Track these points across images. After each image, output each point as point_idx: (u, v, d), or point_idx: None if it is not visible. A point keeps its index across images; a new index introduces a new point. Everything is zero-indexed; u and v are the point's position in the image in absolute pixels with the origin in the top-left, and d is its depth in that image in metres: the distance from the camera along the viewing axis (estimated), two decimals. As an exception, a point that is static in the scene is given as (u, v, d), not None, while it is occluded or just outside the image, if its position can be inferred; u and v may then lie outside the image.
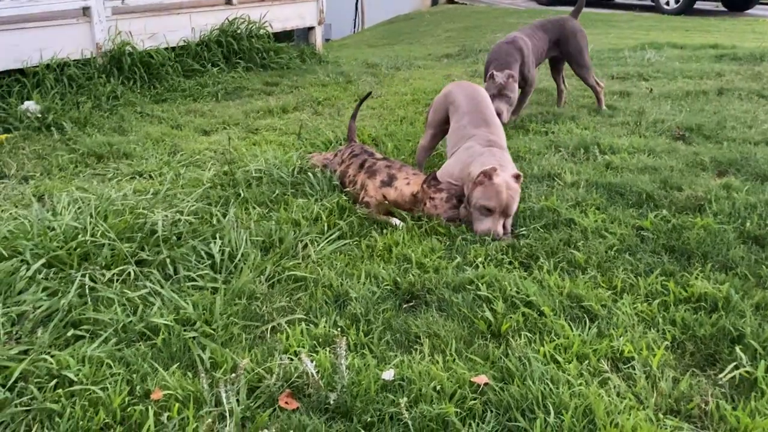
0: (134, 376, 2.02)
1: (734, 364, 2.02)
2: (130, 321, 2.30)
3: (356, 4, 17.31)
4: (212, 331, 2.25)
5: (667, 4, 12.54)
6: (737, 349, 2.09)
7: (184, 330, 2.26)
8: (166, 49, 6.37)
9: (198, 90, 6.05)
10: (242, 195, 3.42)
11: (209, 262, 2.72)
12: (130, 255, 2.69)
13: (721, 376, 1.98)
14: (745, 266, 2.61)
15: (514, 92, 4.35)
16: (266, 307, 2.42)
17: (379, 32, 13.76)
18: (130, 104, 5.48)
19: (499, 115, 3.97)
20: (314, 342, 2.21)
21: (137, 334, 2.26)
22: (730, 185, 3.37)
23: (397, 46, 10.83)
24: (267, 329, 2.31)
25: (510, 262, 2.75)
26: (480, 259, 2.76)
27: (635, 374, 2.02)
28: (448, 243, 2.94)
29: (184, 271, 2.65)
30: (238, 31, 7.07)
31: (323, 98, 5.87)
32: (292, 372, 2.01)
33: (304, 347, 2.17)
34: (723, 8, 13.24)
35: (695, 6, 12.47)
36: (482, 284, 2.52)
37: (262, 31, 7.31)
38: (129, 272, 2.60)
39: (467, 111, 3.53)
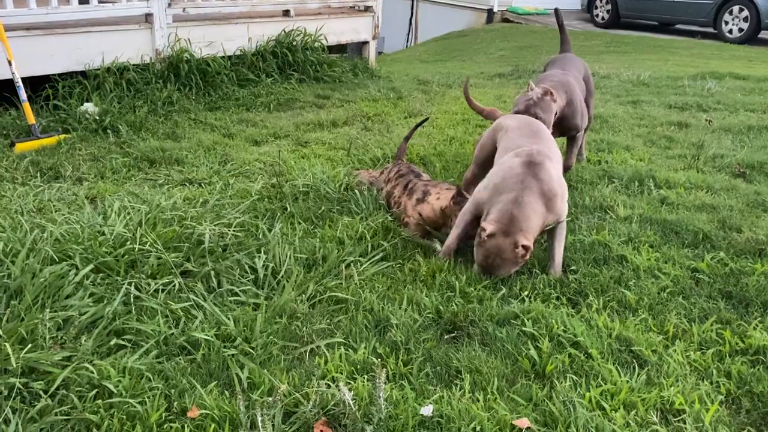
0: (173, 391, 2.02)
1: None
2: (172, 333, 2.31)
3: (410, 18, 17.38)
4: (251, 350, 2.24)
5: (730, 32, 12.17)
6: (799, 411, 1.97)
7: (224, 347, 2.26)
8: (222, 57, 6.48)
9: (251, 100, 6.13)
10: (288, 209, 3.43)
11: (252, 276, 2.73)
12: (176, 266, 2.72)
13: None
14: (809, 320, 2.48)
15: (547, 113, 3.64)
16: (306, 327, 2.41)
17: (432, 48, 13.75)
18: (184, 110, 5.58)
19: None
20: (352, 368, 2.18)
21: (178, 347, 2.26)
22: (795, 230, 3.21)
23: (449, 62, 10.80)
24: (306, 351, 2.29)
25: (557, 298, 2.67)
26: (526, 293, 2.69)
27: (686, 429, 1.93)
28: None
29: (227, 284, 2.66)
30: (294, 43, 7.14)
31: (373, 114, 5.87)
32: (328, 399, 1.98)
33: (342, 373, 2.14)
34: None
35: (760, 35, 12.07)
36: (528, 319, 2.45)
37: (317, 44, 7.37)
38: (174, 283, 2.62)
39: (516, 127, 3.24)
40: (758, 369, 2.20)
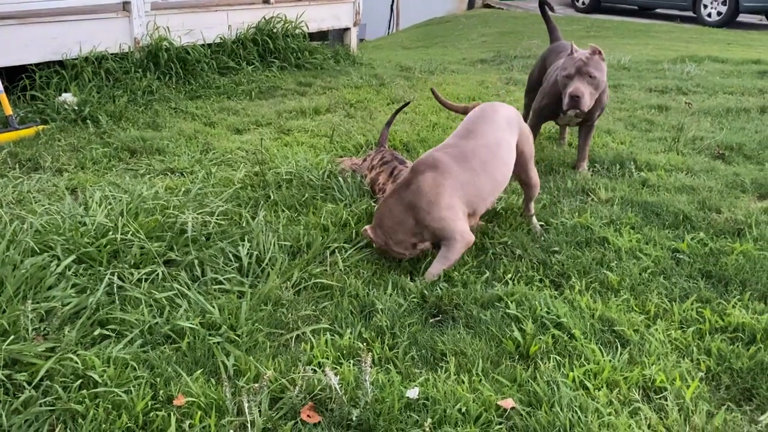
0: (158, 380, 2.02)
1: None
2: (156, 323, 2.30)
3: (392, 5, 17.27)
4: (237, 337, 2.24)
5: (709, 15, 12.27)
6: (777, 386, 2.01)
7: (209, 335, 2.25)
8: (202, 45, 6.41)
9: (232, 88, 6.07)
10: (272, 197, 3.42)
11: (237, 264, 2.72)
12: (159, 255, 2.70)
13: (761, 419, 1.90)
14: (786, 297, 2.52)
15: (600, 71, 3.56)
16: (291, 314, 2.41)
17: (414, 34, 13.70)
18: (164, 99, 5.52)
19: (577, 98, 3.49)
20: (338, 353, 2.19)
21: (163, 336, 2.26)
22: (773, 209, 3.26)
23: (431, 49, 10.77)
24: (291, 338, 2.30)
25: (540, 280, 2.70)
26: (509, 276, 2.71)
27: (667, 406, 1.96)
28: (478, 256, 2.89)
29: (211, 273, 2.65)
30: (274, 30, 7.08)
31: (356, 101, 5.85)
32: (315, 384, 1.99)
33: (328, 359, 2.15)
34: (767, 22, 12.92)
35: (738, 19, 12.18)
36: (511, 302, 2.47)
37: (297, 31, 7.31)
38: (157, 272, 2.60)
39: (463, 122, 3.03)
40: (737, 346, 2.24)
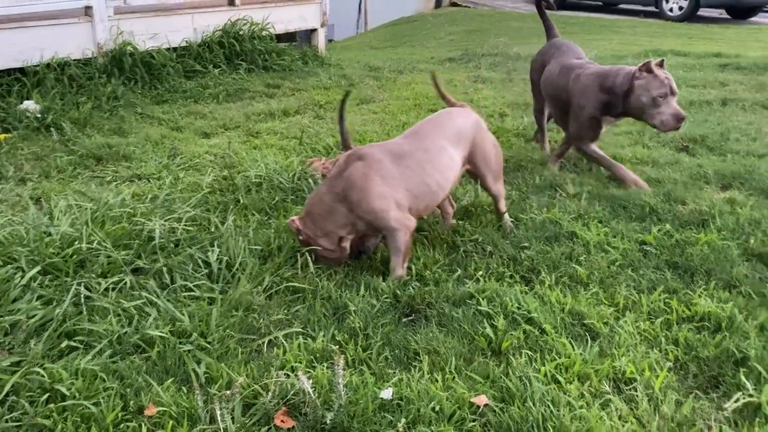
0: (128, 390, 1.99)
1: (740, 394, 1.98)
2: (125, 332, 2.27)
3: (360, 5, 17.26)
4: (208, 345, 2.22)
5: (671, 10, 12.50)
6: (741, 374, 2.05)
7: (180, 342, 2.23)
8: (167, 49, 6.34)
9: (199, 91, 6.01)
10: (241, 201, 3.39)
11: (206, 271, 2.69)
12: (127, 263, 2.66)
13: (726, 405, 1.94)
14: (750, 285, 2.58)
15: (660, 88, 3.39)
16: (263, 319, 2.39)
17: (382, 34, 13.71)
18: (130, 105, 5.44)
19: (683, 119, 3.38)
20: (312, 357, 2.18)
21: (132, 346, 2.22)
22: (734, 200, 3.33)
23: (399, 48, 10.79)
24: (264, 343, 2.28)
25: (511, 276, 2.72)
26: (481, 273, 2.73)
27: (637, 396, 1.99)
28: (450, 254, 2.90)
29: (180, 280, 2.62)
30: (241, 33, 7.03)
31: (325, 101, 5.84)
32: (288, 389, 1.98)
33: (301, 362, 2.14)
34: (726, 15, 13.21)
35: (699, 13, 12.42)
36: (483, 299, 2.48)
37: (264, 33, 7.26)
38: (125, 281, 2.56)
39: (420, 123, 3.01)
40: (704, 335, 2.28)
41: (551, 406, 1.91)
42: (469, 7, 15.28)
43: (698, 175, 3.77)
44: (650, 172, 3.80)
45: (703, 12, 12.67)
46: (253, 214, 3.23)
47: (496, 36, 10.54)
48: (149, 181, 3.82)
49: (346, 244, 2.75)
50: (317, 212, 2.71)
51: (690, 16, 12.20)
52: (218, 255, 2.74)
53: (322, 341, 2.25)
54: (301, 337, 2.29)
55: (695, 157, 4.14)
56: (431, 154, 2.77)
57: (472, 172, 3.06)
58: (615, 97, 3.52)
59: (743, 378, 2.03)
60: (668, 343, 2.26)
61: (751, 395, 1.98)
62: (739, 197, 3.38)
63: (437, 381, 2.04)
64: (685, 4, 12.27)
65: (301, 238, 2.76)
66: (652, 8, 13.03)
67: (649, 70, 3.37)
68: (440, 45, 10.60)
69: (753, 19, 12.97)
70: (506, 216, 3.21)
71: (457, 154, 2.86)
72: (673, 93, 3.39)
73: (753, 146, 4.25)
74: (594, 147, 3.74)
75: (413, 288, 2.59)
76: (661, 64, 3.42)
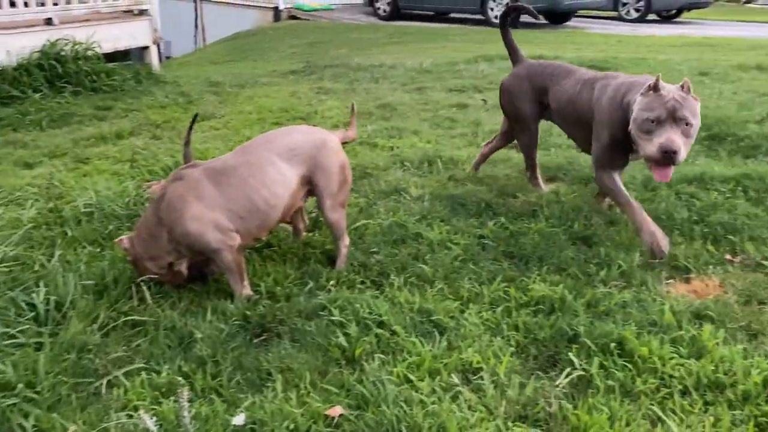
0: (-62, 461, 1.75)
1: (569, 369, 2.13)
2: (-67, 396, 1.99)
3: (196, 20, 16.77)
4: (36, 395, 2.01)
5: (496, 18, 13.41)
6: (573, 350, 2.22)
7: (3, 397, 2.00)
8: (-24, 74, 5.74)
9: (18, 119, 5.50)
10: (70, 234, 3.13)
11: (32, 314, 2.44)
12: (-68, 316, 2.35)
13: (558, 382, 2.08)
14: (576, 266, 2.80)
15: (696, 116, 2.71)
16: (100, 359, 2.22)
17: (222, 49, 13.40)
18: (-67, 138, 4.85)
19: (673, 154, 2.63)
20: (157, 392, 2.05)
21: (-58, 410, 1.96)
22: (559, 190, 3.62)
23: (240, 63, 10.60)
24: (102, 384, 2.11)
25: (362, 282, 2.75)
26: (332, 282, 2.73)
27: (484, 385, 2.08)
28: (301, 267, 2.87)
29: (2, 326, 2.35)
30: (63, 53, 6.53)
31: (162, 121, 5.57)
32: (132, 430, 1.84)
33: (145, 400, 2.01)
34: (545, 21, 14.40)
35: (521, 19, 13.42)
36: (335, 308, 2.48)
37: (90, 53, 6.81)
38: (-69, 337, 2.26)
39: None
40: (540, 318, 2.44)
41: (404, 406, 1.94)
42: (309, 19, 15.38)
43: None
44: (485, 169, 4.02)
45: (524, 18, 13.69)
46: (84, 247, 3.00)
47: (336, 47, 10.71)
48: (-40, 221, 3.41)
49: (181, 268, 2.63)
50: (143, 235, 2.58)
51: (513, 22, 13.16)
52: (45, 295, 2.50)
53: (168, 374, 2.12)
54: (143, 372, 2.14)
55: (524, 152, 4.43)
56: (256, 169, 2.63)
57: (314, 194, 2.85)
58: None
59: (573, 357, 2.18)
60: (510, 329, 2.38)
61: (584, 369, 2.14)
62: (563, 187, 3.68)
63: (291, 399, 2.00)
64: (507, 12, 13.22)
65: (129, 258, 2.61)
66: (479, 16, 13.91)
67: (656, 88, 2.71)
68: (282, 58, 10.56)
69: (568, 23, 14.26)
70: (344, 251, 2.89)
71: (290, 170, 2.70)
72: (675, 119, 2.65)
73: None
74: (616, 179, 3.07)
75: (264, 306, 2.53)
76: (684, 87, 2.71)
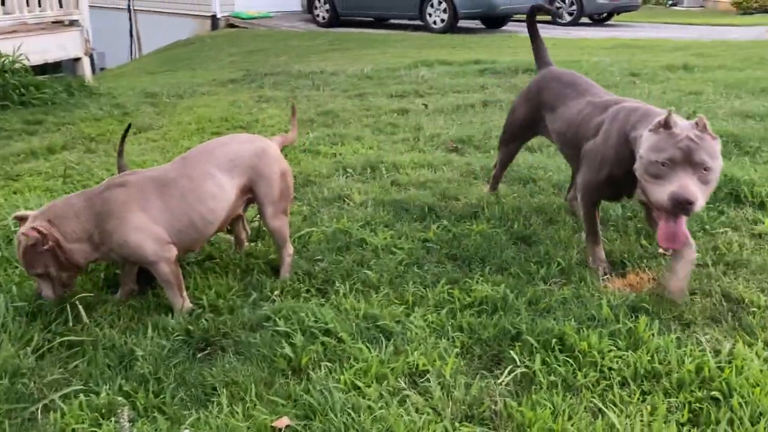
0: None
1: (511, 367, 2.18)
2: None
3: (131, 30, 16.38)
4: (-35, 426, 1.92)
5: (435, 23, 13.60)
6: (516, 348, 2.26)
7: (-72, 431, 1.90)
8: None
9: (-62, 136, 5.24)
10: (0, 254, 3.00)
11: (-40, 341, 2.33)
12: None
13: (500, 380, 2.12)
14: (517, 265, 2.86)
15: (716, 158, 2.30)
16: (35, 383, 2.13)
17: (159, 59, 13.12)
18: None
19: (690, 205, 2.22)
20: (96, 414, 1.98)
21: None
22: (499, 191, 3.68)
23: (178, 72, 10.40)
24: (38, 409, 2.03)
25: (307, 290, 2.73)
26: (277, 292, 2.70)
27: (431, 387, 2.09)
28: (244, 278, 2.84)
29: (-74, 356, 2.24)
30: (-14, 66, 6.28)
31: (96, 134, 5.42)
32: (69, 455, 1.78)
33: (83, 423, 1.94)
34: (482, 26, 14.68)
35: (458, 24, 13.66)
36: (280, 318, 2.45)
37: (17, 65, 6.56)
38: None
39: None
40: (483, 318, 2.48)
41: (352, 413, 1.94)
42: (247, 27, 15.23)
43: (468, 172, 4.11)
44: (427, 174, 4.06)
45: (462, 24, 13.94)
46: (16, 267, 2.88)
47: (276, 55, 10.64)
48: None
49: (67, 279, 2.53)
50: (68, 216, 2.44)
51: (451, 27, 13.38)
52: (-27, 320, 2.39)
53: (107, 395, 2.06)
54: (81, 395, 2.07)
55: (464, 156, 4.51)
56: (195, 183, 2.58)
57: (255, 202, 2.83)
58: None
59: (515, 355, 2.22)
60: (454, 331, 2.41)
61: (527, 366, 2.18)
62: (503, 188, 3.75)
63: (237, 412, 1.97)
64: (445, 17, 13.43)
65: (45, 247, 2.39)
66: (418, 22, 14.06)
67: (667, 125, 2.31)
68: (221, 67, 10.42)
69: (504, 28, 14.57)
70: (287, 260, 2.87)
71: (229, 183, 2.66)
72: (690, 163, 2.24)
73: (511, 141, 4.75)
74: (596, 212, 2.88)
75: (207, 320, 2.48)
76: (700, 124, 2.30)
